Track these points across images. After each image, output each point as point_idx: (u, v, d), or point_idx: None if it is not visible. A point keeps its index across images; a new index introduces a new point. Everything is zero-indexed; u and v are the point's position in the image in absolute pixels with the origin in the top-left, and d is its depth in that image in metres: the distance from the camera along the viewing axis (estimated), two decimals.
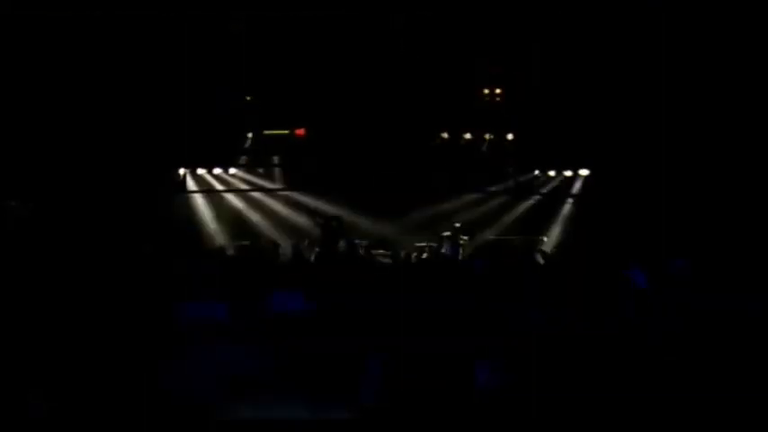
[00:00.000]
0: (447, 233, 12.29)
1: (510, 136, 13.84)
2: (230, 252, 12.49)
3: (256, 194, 14.47)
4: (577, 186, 14.57)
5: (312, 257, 11.47)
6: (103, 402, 4.32)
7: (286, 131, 13.57)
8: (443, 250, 11.88)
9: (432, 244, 12.55)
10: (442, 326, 5.76)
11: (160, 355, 4.99)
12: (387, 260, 11.62)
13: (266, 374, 4.86)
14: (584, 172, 14.31)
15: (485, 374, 4.36)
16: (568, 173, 14.44)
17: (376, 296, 6.76)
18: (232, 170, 14.32)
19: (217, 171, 14.24)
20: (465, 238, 12.02)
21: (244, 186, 14.52)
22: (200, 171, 14.17)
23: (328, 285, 7.44)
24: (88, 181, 12.07)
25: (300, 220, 13.88)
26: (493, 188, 14.48)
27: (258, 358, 5.05)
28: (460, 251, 11.88)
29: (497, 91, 13.30)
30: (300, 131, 13.46)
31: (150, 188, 12.82)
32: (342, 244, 11.50)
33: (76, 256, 8.52)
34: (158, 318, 5.89)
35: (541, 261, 11.11)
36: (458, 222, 12.48)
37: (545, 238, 13.58)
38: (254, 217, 14.24)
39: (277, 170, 14.53)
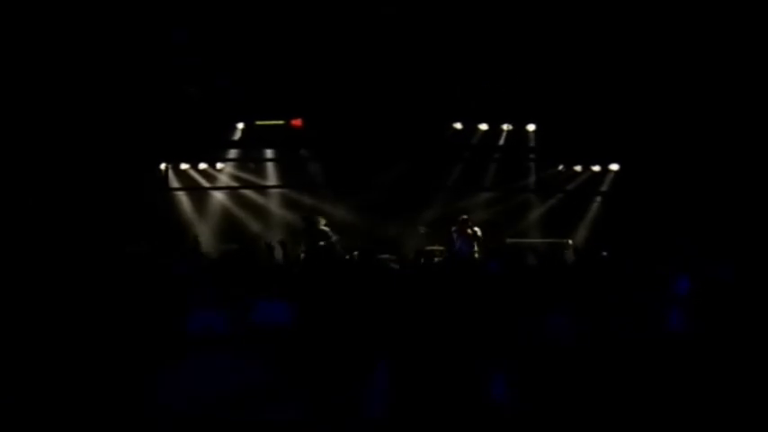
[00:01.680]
0: (454, 228, 11.45)
1: (531, 127, 13.29)
2: (215, 256, 11.75)
3: (246, 192, 13.87)
4: (607, 183, 13.92)
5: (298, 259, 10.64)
6: (97, 409, 4.34)
7: (281, 122, 12.93)
8: (456, 245, 11.05)
9: (443, 248, 11.77)
10: (455, 334, 5.43)
11: (156, 360, 5.00)
12: (394, 265, 10.70)
13: (267, 382, 4.85)
14: (614, 167, 13.69)
15: (501, 387, 3.98)
16: (596, 168, 13.78)
17: (383, 302, 6.52)
18: (219, 165, 13.75)
19: (202, 166, 13.64)
20: (476, 228, 11.19)
21: (232, 183, 13.95)
22: (184, 166, 13.59)
23: (331, 290, 7.17)
24: (69, 176, 11.50)
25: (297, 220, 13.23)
26: (512, 185, 13.92)
27: (258, 366, 5.03)
28: (475, 246, 11.00)
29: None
30: (297, 122, 12.88)
31: (131, 184, 12.21)
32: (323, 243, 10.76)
33: (64, 255, 8.46)
34: (155, 321, 5.93)
35: (572, 257, 10.41)
36: (464, 215, 11.63)
37: (570, 241, 12.75)
38: (244, 217, 13.60)
39: (270, 165, 13.89)
